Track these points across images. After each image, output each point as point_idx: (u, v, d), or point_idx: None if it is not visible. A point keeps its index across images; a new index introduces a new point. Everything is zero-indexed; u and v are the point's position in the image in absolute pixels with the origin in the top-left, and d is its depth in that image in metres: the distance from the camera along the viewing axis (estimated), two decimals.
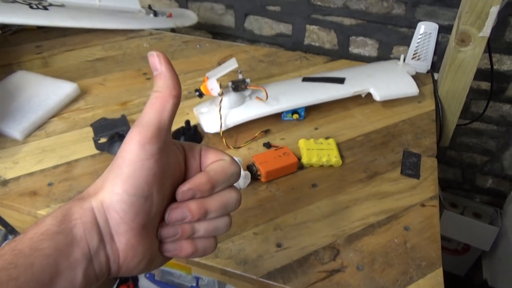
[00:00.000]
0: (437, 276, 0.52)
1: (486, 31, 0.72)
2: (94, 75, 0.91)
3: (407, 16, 1.01)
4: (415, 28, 1.00)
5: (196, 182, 0.30)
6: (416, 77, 0.85)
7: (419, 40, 0.99)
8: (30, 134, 0.73)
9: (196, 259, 0.54)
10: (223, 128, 0.72)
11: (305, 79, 0.82)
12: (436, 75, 0.91)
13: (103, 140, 0.68)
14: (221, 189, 0.31)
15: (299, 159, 0.68)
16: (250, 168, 0.65)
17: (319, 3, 1.07)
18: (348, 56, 1.13)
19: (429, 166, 0.69)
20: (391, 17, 1.03)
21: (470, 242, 1.30)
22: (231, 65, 0.72)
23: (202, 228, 0.30)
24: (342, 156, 0.70)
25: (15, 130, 0.71)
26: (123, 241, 0.27)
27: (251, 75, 0.91)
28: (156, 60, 0.28)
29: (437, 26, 0.98)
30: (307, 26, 1.12)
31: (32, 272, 0.23)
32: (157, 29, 1.09)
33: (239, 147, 0.72)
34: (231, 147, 0.71)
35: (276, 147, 0.71)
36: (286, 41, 1.18)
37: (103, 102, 0.82)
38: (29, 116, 0.74)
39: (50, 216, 0.26)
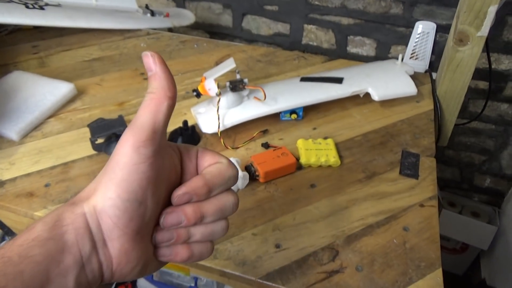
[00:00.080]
0: (436, 276, 0.52)
1: (484, 30, 0.72)
2: (91, 75, 0.90)
3: (405, 16, 1.01)
4: (413, 27, 1.00)
5: (192, 185, 0.29)
6: (414, 77, 0.85)
7: (417, 39, 0.99)
8: (26, 135, 0.73)
9: None
10: (221, 129, 0.71)
11: (303, 79, 0.82)
12: (434, 75, 0.91)
13: (100, 140, 0.68)
14: (218, 193, 0.30)
15: (298, 159, 0.68)
16: (248, 168, 0.65)
17: (316, 2, 1.07)
18: (346, 56, 1.13)
19: (427, 166, 0.69)
20: (389, 17, 1.03)
21: (469, 241, 1.30)
22: (229, 65, 0.71)
23: (198, 232, 0.30)
24: (340, 156, 0.70)
25: (12, 131, 0.71)
26: (117, 246, 0.27)
27: (249, 75, 0.91)
28: (150, 61, 0.27)
29: (435, 25, 0.98)
30: (305, 25, 1.12)
31: (21, 280, 0.23)
32: (155, 29, 1.09)
33: (237, 148, 0.72)
34: (229, 147, 0.71)
35: (275, 147, 0.71)
36: (284, 41, 1.17)
37: (100, 102, 0.82)
38: (26, 116, 0.74)
39: (41, 222, 0.25)
